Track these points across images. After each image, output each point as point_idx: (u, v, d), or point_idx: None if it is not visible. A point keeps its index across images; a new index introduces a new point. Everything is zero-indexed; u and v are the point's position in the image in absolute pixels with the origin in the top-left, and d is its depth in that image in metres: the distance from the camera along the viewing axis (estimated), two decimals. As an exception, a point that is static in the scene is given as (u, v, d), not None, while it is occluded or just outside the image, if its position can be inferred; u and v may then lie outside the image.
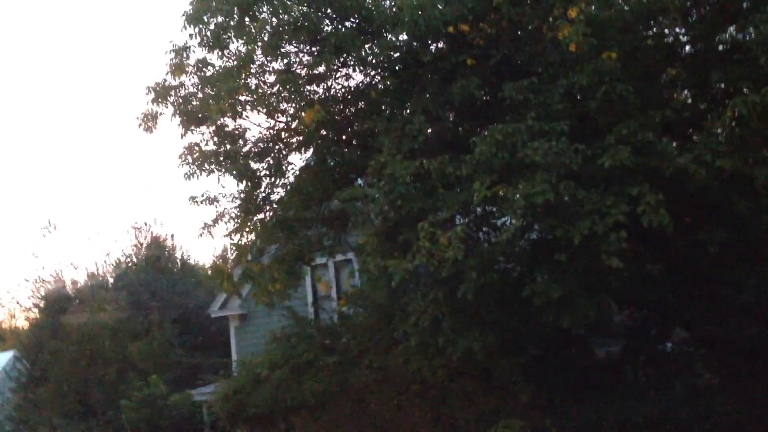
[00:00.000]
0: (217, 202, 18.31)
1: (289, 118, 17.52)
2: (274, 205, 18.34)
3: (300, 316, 18.54)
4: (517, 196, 12.77)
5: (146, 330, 24.17)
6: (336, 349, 16.81)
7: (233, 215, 18.15)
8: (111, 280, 26.56)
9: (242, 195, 18.07)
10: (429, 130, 15.14)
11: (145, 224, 27.92)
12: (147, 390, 20.93)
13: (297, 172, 18.06)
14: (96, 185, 74.44)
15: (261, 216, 18.12)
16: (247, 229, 17.96)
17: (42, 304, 24.93)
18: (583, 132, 13.31)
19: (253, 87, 16.46)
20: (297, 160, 18.36)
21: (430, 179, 14.14)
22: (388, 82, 16.35)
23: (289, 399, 16.92)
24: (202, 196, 18.09)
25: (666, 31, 15.07)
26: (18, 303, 24.84)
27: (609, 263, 12.46)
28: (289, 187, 18.13)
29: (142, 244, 27.65)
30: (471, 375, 15.34)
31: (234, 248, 17.54)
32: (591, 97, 13.35)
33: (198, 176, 17.39)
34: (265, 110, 16.94)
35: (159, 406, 20.90)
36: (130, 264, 26.98)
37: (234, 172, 17.40)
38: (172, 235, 28.42)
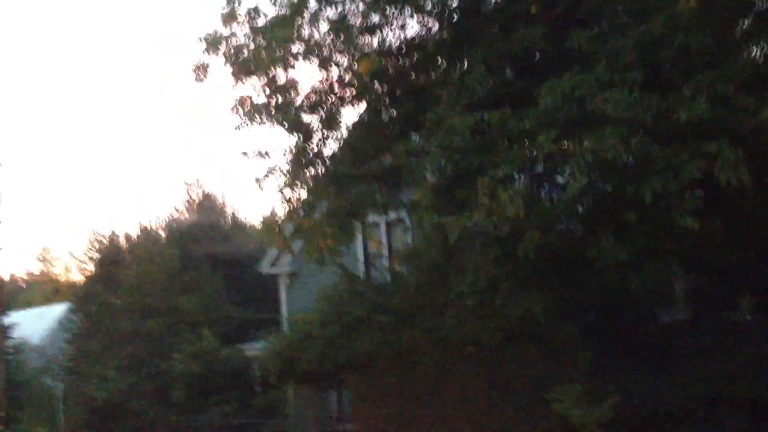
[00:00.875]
0: (269, 156, 18.04)
1: (342, 70, 16.95)
2: (326, 161, 17.92)
3: (352, 273, 18.16)
4: (585, 151, 12.08)
5: (196, 284, 24.15)
6: (388, 309, 16.39)
7: (285, 170, 17.80)
8: (163, 235, 26.58)
9: (294, 149, 17.70)
10: (489, 83, 14.42)
11: (197, 181, 27.83)
12: (198, 344, 20.92)
13: (350, 127, 17.58)
14: (148, 143, 75.04)
15: (312, 171, 17.73)
16: (299, 184, 17.59)
17: (96, 257, 25.05)
18: (656, 84, 12.47)
19: (306, 36, 15.93)
20: (350, 114, 17.89)
21: (490, 133, 13.49)
22: (446, 33, 15.63)
23: (339, 357, 16.60)
24: (254, 151, 17.90)
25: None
26: (74, 257, 24.96)
27: (683, 223, 11.74)
28: (341, 141, 17.66)
29: (193, 201, 27.57)
30: (528, 338, 14.80)
31: (285, 203, 17.17)
32: (666, 47, 12.48)
33: (249, 127, 17.05)
34: (317, 61, 16.38)
35: (210, 360, 20.90)
36: (181, 219, 26.95)
37: (285, 125, 16.97)
38: (223, 192, 28.29)
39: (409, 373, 16.19)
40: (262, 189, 17.90)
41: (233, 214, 28.49)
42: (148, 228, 26.13)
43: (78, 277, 27.60)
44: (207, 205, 27.65)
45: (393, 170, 18.12)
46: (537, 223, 13.13)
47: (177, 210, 27.25)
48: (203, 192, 27.90)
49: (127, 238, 25.29)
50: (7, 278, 53.61)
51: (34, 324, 37.31)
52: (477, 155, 13.51)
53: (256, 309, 24.52)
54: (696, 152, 11.85)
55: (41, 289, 52.42)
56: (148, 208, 75.44)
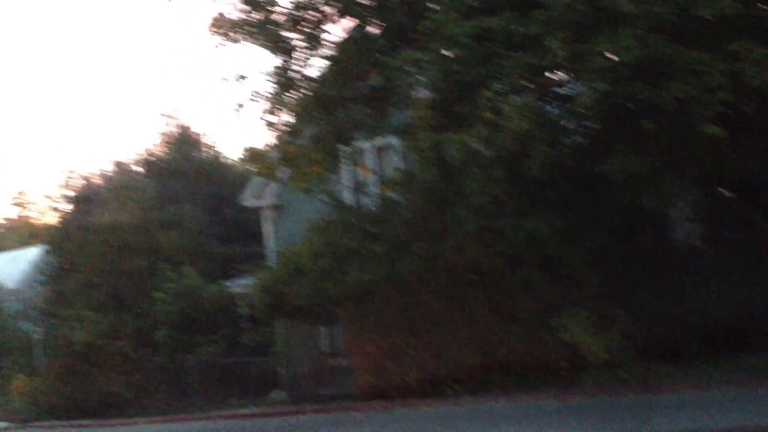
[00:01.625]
0: (249, 80, 16.78)
1: (325, -19, 15.65)
2: (311, 82, 16.71)
3: (342, 202, 17.10)
4: (599, 54, 10.99)
5: (177, 221, 23.02)
6: (382, 237, 15.40)
7: (267, 94, 16.60)
8: (140, 171, 25.28)
9: (276, 70, 16.46)
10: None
11: (174, 114, 26.39)
12: (181, 282, 19.93)
13: (335, 45, 16.32)
14: (121, 73, 72.53)
15: (297, 94, 16.52)
16: (283, 108, 16.41)
17: (71, 196, 23.77)
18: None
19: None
20: (335, 32, 16.59)
21: (493, 41, 12.35)
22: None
23: (332, 290, 15.67)
24: (234, 75, 16.64)
25: None
26: (49, 197, 23.53)
27: (706, 132, 10.76)
28: (328, 59, 16.43)
29: (170, 134, 26.19)
30: (533, 263, 13.90)
31: (270, 129, 16.00)
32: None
33: (227, 47, 15.79)
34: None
35: (194, 298, 19.94)
36: (158, 154, 25.60)
37: (265, 43, 15.70)
38: (201, 125, 26.91)
39: (407, 304, 15.32)
40: (242, 115, 16.81)
41: (213, 147, 27.22)
42: (124, 163, 24.83)
43: (54, 220, 26.18)
44: (185, 139, 26.33)
45: (382, 90, 16.95)
46: (544, 138, 12.11)
47: (154, 144, 25.95)
48: (181, 125, 26.56)
49: (103, 174, 24.00)
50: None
51: (9, 268, 36.12)
52: (478, 66, 12.39)
53: (239, 244, 23.48)
54: (721, 52, 10.82)
55: (18, 234, 51.07)
56: (124, 144, 73.50)
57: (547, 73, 12.47)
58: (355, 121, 16.94)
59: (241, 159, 23.99)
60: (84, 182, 23.88)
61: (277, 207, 22.94)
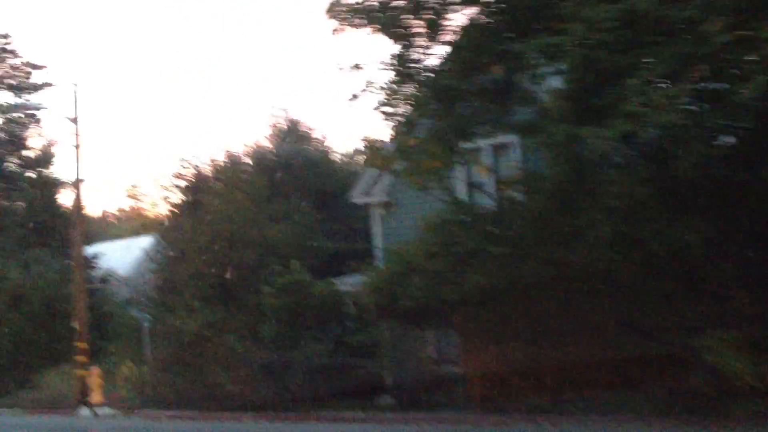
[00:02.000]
0: (365, 69, 16.05)
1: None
2: (430, 73, 15.79)
3: (458, 199, 16.09)
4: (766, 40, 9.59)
5: (284, 214, 22.60)
6: (504, 239, 14.30)
7: (384, 85, 15.80)
8: (249, 163, 25.06)
9: (395, 59, 15.64)
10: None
11: (284, 108, 26.06)
12: (288, 276, 19.42)
13: (458, 33, 15.34)
14: (232, 65, 73.46)
15: (415, 84, 15.64)
16: (400, 99, 15.56)
17: (182, 186, 23.75)
18: None
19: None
20: (458, 19, 15.60)
21: (641, 25, 11.09)
22: None
23: (447, 292, 14.70)
24: (349, 64, 15.94)
25: None
26: (161, 187, 23.54)
27: None
28: (449, 46, 15.47)
29: (280, 127, 25.86)
30: (675, 275, 12.50)
31: (388, 118, 15.15)
32: None
33: (345, 32, 15.06)
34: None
35: (301, 294, 19.39)
36: (267, 147, 25.30)
37: (384, 27, 14.87)
38: (310, 119, 26.50)
39: (528, 312, 14.18)
40: (355, 106, 16.13)
41: (322, 142, 26.76)
42: (234, 155, 24.63)
43: (165, 210, 26.23)
44: (294, 133, 25.96)
45: (505, 83, 15.93)
46: (698, 135, 10.78)
47: (263, 137, 25.69)
48: (290, 119, 26.20)
49: (214, 165, 23.85)
50: (98, 214, 53.89)
51: (121, 255, 36.81)
52: (624, 52, 11.16)
53: (346, 241, 22.84)
54: None
55: (130, 225, 52.49)
56: (234, 136, 74.57)
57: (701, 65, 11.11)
58: (475, 116, 15.94)
59: (356, 151, 23.30)
60: (195, 173, 23.79)
61: (386, 204, 22.16)
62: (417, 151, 14.97)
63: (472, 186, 18.77)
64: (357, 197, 22.47)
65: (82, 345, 22.02)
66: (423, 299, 15.28)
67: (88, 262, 27.93)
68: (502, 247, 14.23)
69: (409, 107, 15.70)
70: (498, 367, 14.45)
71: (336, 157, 28.44)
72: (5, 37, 40.20)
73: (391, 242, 20.58)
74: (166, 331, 21.24)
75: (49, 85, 41.11)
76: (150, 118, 75.04)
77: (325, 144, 26.92)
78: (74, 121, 22.72)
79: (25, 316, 26.57)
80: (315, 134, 26.72)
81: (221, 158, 24.21)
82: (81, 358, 21.79)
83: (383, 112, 15.27)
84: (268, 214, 22.12)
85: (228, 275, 21.17)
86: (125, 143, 79.35)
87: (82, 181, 23.30)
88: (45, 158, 36.43)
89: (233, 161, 24.38)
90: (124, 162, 79.62)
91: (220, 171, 23.32)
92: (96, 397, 21.14)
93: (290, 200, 23.32)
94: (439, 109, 15.64)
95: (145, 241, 40.17)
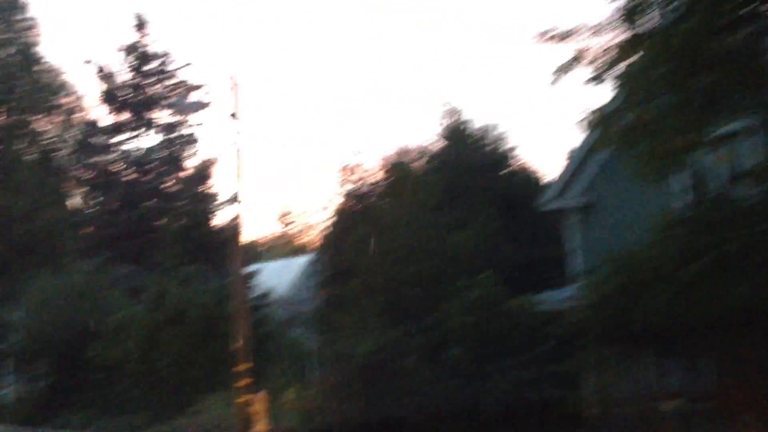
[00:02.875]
0: (574, 36, 13.17)
1: None
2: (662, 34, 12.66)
3: (708, 191, 12.73)
4: None
5: (463, 221, 19.82)
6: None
7: (599, 55, 12.85)
8: (421, 166, 22.46)
9: (616, 18, 12.66)
10: None
11: (455, 106, 23.32)
12: (478, 290, 16.58)
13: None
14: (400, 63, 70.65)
15: (647, 45, 12.56)
16: (626, 60, 12.52)
17: (346, 191, 21.48)
18: None
19: None
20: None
21: None
22: None
23: (702, 310, 11.35)
24: (555, 31, 13.14)
25: None
26: (323, 196, 21.25)
27: None
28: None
29: (454, 127, 23.16)
30: None
31: (617, 85, 12.13)
32: None
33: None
34: None
35: (492, 311, 16.49)
36: (440, 147, 22.60)
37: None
38: (487, 118, 23.67)
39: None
40: (562, 81, 13.17)
41: (502, 140, 23.75)
42: (406, 155, 22.05)
43: (324, 225, 23.79)
44: (469, 133, 23.22)
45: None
46: None
47: (436, 137, 23.05)
48: (463, 118, 23.48)
49: (383, 167, 21.31)
50: (252, 237, 53.60)
51: (278, 275, 35.42)
52: None
53: (537, 251, 19.78)
54: None
55: (283, 249, 51.95)
56: (403, 137, 72.04)
57: None
58: (721, 90, 12.67)
59: (581, 122, 19.78)
60: (362, 176, 21.47)
61: (585, 208, 19.00)
62: (660, 127, 11.81)
63: (735, 176, 15.10)
64: (548, 202, 19.47)
65: (245, 368, 19.89)
66: (664, 319, 12.00)
67: (246, 281, 26.21)
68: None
69: (635, 75, 12.67)
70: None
71: (518, 159, 25.30)
72: (164, 56, 40.31)
73: (591, 251, 17.47)
74: (335, 353, 18.86)
75: (205, 105, 41.30)
76: (306, 123, 73.97)
77: (506, 145, 23.94)
78: (234, 117, 20.97)
79: (185, 335, 25.09)
80: (494, 135, 23.83)
81: (390, 160, 21.67)
82: (244, 383, 19.65)
83: (612, 78, 12.26)
84: (447, 221, 19.40)
85: (403, 291, 18.51)
86: (281, 155, 78.86)
87: (241, 189, 21.49)
88: (202, 176, 35.97)
89: (405, 163, 21.83)
90: (279, 180, 79.21)
91: (390, 173, 20.84)
92: (261, 426, 18.87)
93: (471, 206, 20.51)
94: (678, 77, 12.48)
95: (301, 261, 38.92)
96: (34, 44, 50.72)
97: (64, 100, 51.40)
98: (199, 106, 21.02)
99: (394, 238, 18.90)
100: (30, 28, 49.54)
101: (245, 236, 23.91)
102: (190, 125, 39.55)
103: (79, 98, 51.34)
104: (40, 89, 49.39)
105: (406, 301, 18.37)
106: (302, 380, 22.93)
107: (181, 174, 38.24)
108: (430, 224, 18.91)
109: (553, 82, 13.25)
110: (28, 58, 49.37)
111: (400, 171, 21.05)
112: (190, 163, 38.37)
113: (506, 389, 15.59)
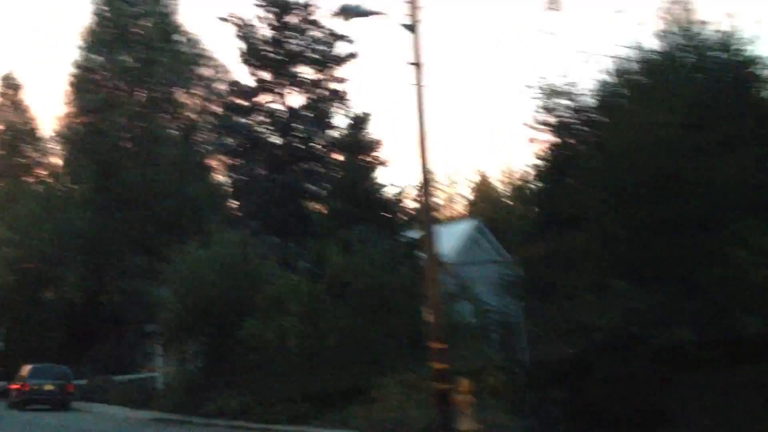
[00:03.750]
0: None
1: None
2: None
3: None
4: None
5: (727, 144, 14.45)
6: None
7: None
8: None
9: None
10: None
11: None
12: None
13: None
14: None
15: None
16: None
17: (555, 117, 16.40)
18: None
19: None
20: None
21: None
22: None
23: None
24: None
25: None
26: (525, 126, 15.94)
27: None
28: None
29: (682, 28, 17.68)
30: None
31: None
32: None
33: None
34: None
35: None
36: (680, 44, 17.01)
37: None
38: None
39: None
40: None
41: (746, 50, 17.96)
42: (643, 52, 16.50)
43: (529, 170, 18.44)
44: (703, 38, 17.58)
45: None
46: None
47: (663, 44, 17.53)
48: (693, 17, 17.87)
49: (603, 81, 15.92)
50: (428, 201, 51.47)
51: (441, 243, 31.71)
52: None
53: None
54: None
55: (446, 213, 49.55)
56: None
57: None
58: None
59: None
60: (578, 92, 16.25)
61: None
62: None
63: None
64: None
65: (439, 346, 15.38)
66: None
67: (439, 261, 21.73)
68: None
69: None
70: None
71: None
72: (305, 7, 36.58)
73: None
74: (559, 326, 14.09)
75: (354, 56, 37.39)
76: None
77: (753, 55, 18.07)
78: (417, 65, 16.53)
79: (352, 309, 21.09)
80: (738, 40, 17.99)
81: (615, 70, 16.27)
82: (438, 365, 15.16)
83: None
84: (707, 143, 14.04)
85: (657, 239, 13.31)
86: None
87: (426, 131, 16.89)
88: (359, 125, 32.94)
89: (632, 71, 16.32)
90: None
91: (624, 80, 15.52)
92: (466, 424, 14.23)
93: (724, 127, 15.03)
94: None
95: (464, 227, 35.18)
96: (173, 12, 48.72)
97: (204, 72, 49.25)
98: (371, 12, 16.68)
99: (637, 166, 13.75)
100: (167, -5, 47.77)
101: (421, 200, 19.63)
102: (336, 80, 35.99)
103: (218, 68, 49.05)
104: (180, 61, 47.34)
105: (662, 253, 13.15)
106: (497, 361, 18.47)
107: (330, 132, 34.93)
108: (688, 147, 13.63)
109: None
110: (167, 27, 47.42)
111: (629, 84, 15.71)
112: (339, 121, 34.94)
113: None
